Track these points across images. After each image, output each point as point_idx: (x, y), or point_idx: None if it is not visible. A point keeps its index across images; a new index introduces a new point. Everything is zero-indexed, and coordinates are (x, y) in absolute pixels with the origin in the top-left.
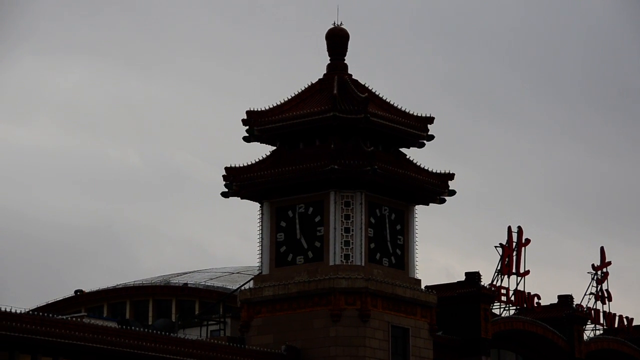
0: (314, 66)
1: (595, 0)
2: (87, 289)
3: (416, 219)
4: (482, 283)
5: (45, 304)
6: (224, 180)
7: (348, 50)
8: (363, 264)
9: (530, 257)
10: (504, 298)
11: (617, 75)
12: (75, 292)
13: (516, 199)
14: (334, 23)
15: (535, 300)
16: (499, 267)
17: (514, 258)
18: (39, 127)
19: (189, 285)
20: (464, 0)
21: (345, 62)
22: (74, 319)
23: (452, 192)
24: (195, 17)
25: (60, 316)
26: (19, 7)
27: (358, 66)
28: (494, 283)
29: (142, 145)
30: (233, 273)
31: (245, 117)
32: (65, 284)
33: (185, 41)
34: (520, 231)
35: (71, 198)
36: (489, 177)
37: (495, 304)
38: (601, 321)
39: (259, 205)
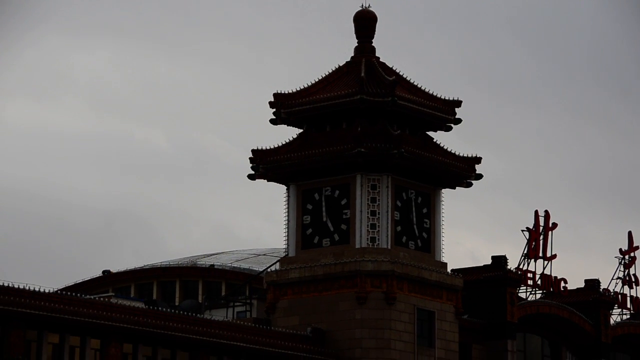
0: (341, 49)
1: None
2: (114, 269)
3: (442, 203)
4: (508, 267)
5: (73, 283)
6: (251, 162)
7: (376, 32)
8: (389, 247)
9: (556, 242)
10: (530, 282)
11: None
12: (103, 272)
13: (543, 184)
14: (362, 5)
15: (562, 284)
16: (525, 251)
17: (541, 242)
18: (66, 109)
19: (215, 267)
20: None
21: (372, 44)
22: (101, 299)
23: (479, 176)
24: (222, 1)
25: (88, 296)
26: None
27: (386, 49)
28: (521, 267)
29: (169, 127)
30: (259, 255)
31: (272, 100)
32: (93, 264)
33: (212, 24)
34: (547, 215)
35: (98, 180)
36: (515, 161)
37: (521, 288)
38: (628, 306)
39: (286, 187)
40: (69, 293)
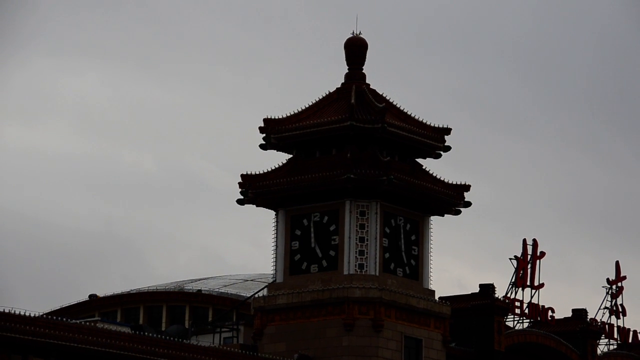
0: (332, 75)
1: (605, 11)
2: (101, 293)
3: (431, 230)
4: (496, 295)
5: (59, 307)
6: (240, 187)
7: (366, 59)
8: (377, 274)
9: (544, 271)
10: (517, 311)
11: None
12: (90, 296)
13: (531, 212)
14: (353, 32)
15: (549, 313)
16: (513, 280)
17: (529, 271)
18: (52, 130)
19: (202, 292)
20: (482, 14)
21: (363, 71)
22: (87, 323)
23: (468, 204)
24: (212, 24)
25: (74, 320)
26: (28, 7)
27: (376, 76)
28: (508, 295)
29: (158, 150)
30: (247, 280)
31: (262, 125)
32: (79, 288)
33: (202, 47)
34: (535, 244)
35: (85, 202)
36: (504, 189)
37: (509, 317)
38: (615, 336)
39: (274, 213)
40: (54, 317)
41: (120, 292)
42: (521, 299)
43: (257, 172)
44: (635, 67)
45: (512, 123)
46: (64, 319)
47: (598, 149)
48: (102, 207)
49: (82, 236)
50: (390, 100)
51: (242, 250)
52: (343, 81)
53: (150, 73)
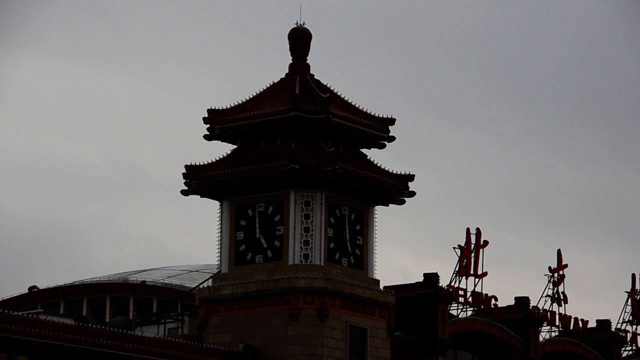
0: (276, 66)
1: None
2: (42, 285)
3: (376, 220)
4: (440, 284)
5: (0, 299)
6: (184, 178)
7: (310, 50)
8: (322, 264)
9: (488, 259)
10: (461, 299)
11: (577, 75)
12: (30, 288)
13: (475, 201)
14: (297, 23)
15: (493, 301)
16: (457, 269)
17: (472, 260)
18: None
19: (147, 283)
20: (427, 4)
21: (307, 62)
22: (30, 315)
23: (412, 193)
24: (156, 15)
25: (15, 312)
26: None
27: (320, 66)
28: (452, 284)
29: (101, 142)
30: (191, 271)
31: (206, 116)
32: (20, 280)
33: (144, 39)
34: (478, 233)
35: (26, 194)
36: (447, 179)
37: (453, 305)
38: (557, 323)
39: (219, 203)
40: None
41: (63, 283)
42: (465, 287)
43: (202, 163)
44: (576, 49)
45: (456, 112)
46: (5, 311)
47: (541, 137)
48: (45, 199)
49: (24, 227)
50: (335, 91)
51: (186, 240)
52: (287, 72)
53: (93, 64)
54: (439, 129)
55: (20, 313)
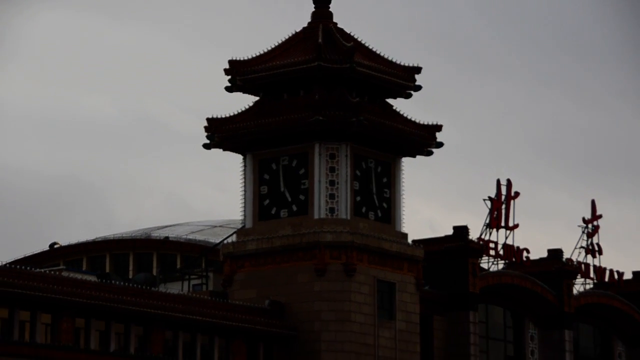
0: (298, 14)
1: None
2: (64, 242)
3: (403, 172)
4: (470, 237)
5: (22, 256)
6: (206, 131)
7: None
8: (348, 218)
9: (519, 211)
10: (492, 252)
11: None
12: (51, 245)
13: (504, 152)
14: None
15: (524, 254)
16: (487, 221)
17: (503, 211)
18: (8, 76)
19: (170, 239)
20: None
21: (330, 10)
22: (52, 272)
23: (440, 144)
24: None
25: (37, 269)
26: None
27: (343, 14)
28: (482, 237)
29: (118, 94)
30: (215, 226)
31: (227, 67)
32: (40, 238)
33: None
34: (509, 184)
35: (45, 149)
36: (476, 129)
37: (483, 258)
38: (591, 275)
39: (242, 157)
40: (17, 266)
41: (84, 240)
42: (495, 240)
43: (223, 116)
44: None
45: (483, 61)
46: (28, 268)
47: (571, 84)
48: (63, 154)
49: (42, 185)
50: (359, 39)
51: (208, 196)
52: (310, 20)
53: (109, 15)
54: (466, 77)
55: (42, 270)
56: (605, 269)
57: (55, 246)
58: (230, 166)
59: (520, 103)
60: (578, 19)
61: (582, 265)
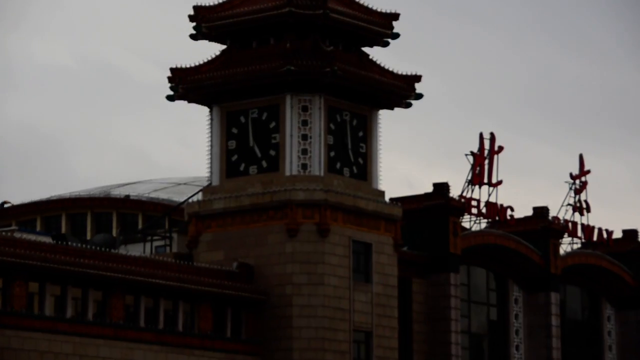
0: None
1: None
2: (16, 201)
3: (380, 126)
4: (450, 194)
5: None
6: (169, 82)
7: None
8: (322, 174)
9: (503, 166)
10: (474, 210)
11: None
12: (1, 204)
13: (487, 104)
14: None
15: (509, 212)
16: (469, 177)
17: (486, 167)
18: None
19: (131, 197)
20: None
21: None
22: (3, 233)
23: (419, 96)
24: None
25: None
26: None
27: None
28: (464, 194)
29: (74, 43)
30: (179, 184)
31: (192, 13)
32: None
33: None
34: (492, 138)
35: None
36: (457, 79)
37: (465, 217)
38: (579, 234)
39: (208, 109)
40: None
41: (38, 199)
42: (478, 198)
43: (188, 65)
44: None
45: (466, 7)
46: None
47: (555, 31)
48: (15, 105)
49: None
50: None
51: (173, 151)
52: None
53: None
54: (446, 24)
55: None
56: (593, 227)
57: (6, 205)
58: (195, 119)
59: (505, 51)
60: None
61: (569, 224)
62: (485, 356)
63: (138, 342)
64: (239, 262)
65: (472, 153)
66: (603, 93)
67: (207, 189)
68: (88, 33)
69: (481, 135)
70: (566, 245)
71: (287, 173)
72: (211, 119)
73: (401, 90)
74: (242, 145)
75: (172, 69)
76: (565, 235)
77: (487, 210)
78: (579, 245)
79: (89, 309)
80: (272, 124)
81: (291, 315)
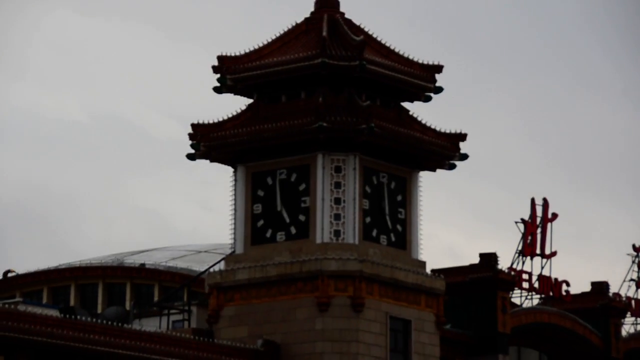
0: (299, 3)
1: None
2: (21, 269)
3: (420, 189)
4: (499, 266)
5: None
6: (190, 139)
7: None
8: (356, 242)
9: (557, 236)
10: (525, 285)
11: None
12: (5, 273)
13: (538, 166)
14: None
15: (564, 287)
16: (519, 247)
17: (538, 236)
18: None
19: (146, 266)
20: None
21: None
22: (6, 305)
23: (464, 156)
24: None
25: None
26: None
27: (352, 3)
28: (514, 266)
29: (87, 96)
30: (200, 252)
31: (216, 64)
32: None
33: None
34: (545, 204)
35: (1, 157)
36: (504, 139)
37: (515, 292)
38: None
39: (232, 169)
40: None
41: (45, 267)
42: (530, 270)
43: (211, 121)
44: None
45: (510, 60)
46: None
47: (613, 87)
48: (21, 163)
49: None
50: (370, 33)
51: (193, 215)
52: (313, 10)
53: (79, 4)
54: (490, 77)
55: None
56: None
57: (10, 274)
58: (218, 180)
59: (556, 108)
60: (621, 19)
61: (632, 302)
62: None
63: None
64: (264, 339)
65: (523, 220)
66: None
67: (230, 258)
68: (100, 85)
69: (533, 201)
70: (629, 325)
71: (318, 241)
72: (235, 180)
73: (444, 150)
74: (269, 210)
75: (193, 125)
76: (628, 314)
77: (539, 284)
78: None
79: None
80: (302, 186)
81: None
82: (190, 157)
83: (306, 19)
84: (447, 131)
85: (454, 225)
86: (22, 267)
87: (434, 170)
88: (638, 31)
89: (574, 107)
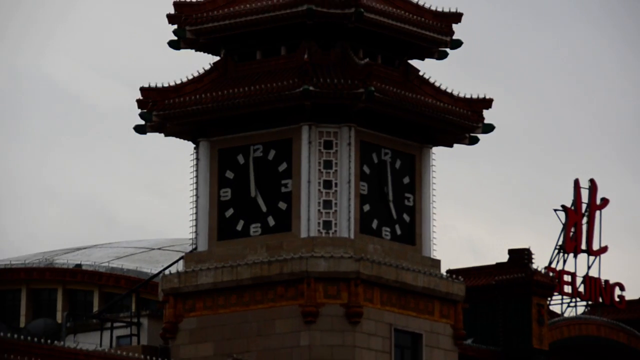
0: None
1: None
2: None
3: (433, 169)
4: (534, 266)
5: None
6: (139, 107)
7: None
8: (352, 237)
9: (608, 227)
10: (568, 289)
11: None
12: None
13: (582, 139)
14: None
15: (617, 292)
16: (560, 242)
17: (584, 228)
18: None
19: (83, 267)
20: None
21: None
22: None
23: (489, 127)
24: None
25: None
26: None
27: None
28: (553, 266)
29: (2, 49)
30: (152, 249)
31: (172, 12)
32: None
33: None
34: (593, 187)
35: None
36: (538, 104)
37: (554, 298)
38: None
39: (193, 145)
40: None
41: None
42: (573, 271)
43: (166, 85)
44: None
45: (552, 3)
46: None
47: None
48: None
49: None
50: None
51: (141, 203)
52: None
53: None
54: (522, 28)
55: None
56: None
57: None
58: (175, 159)
59: (606, 63)
60: None
61: None
62: None
63: None
64: (234, 358)
65: (564, 208)
66: None
67: (190, 257)
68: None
69: (577, 182)
70: None
71: (303, 234)
72: (197, 159)
73: (463, 120)
74: (241, 196)
75: (142, 89)
76: None
77: (585, 288)
78: None
79: None
80: (283, 166)
81: None
82: (139, 130)
83: None
84: (467, 96)
85: (475, 214)
86: None
87: (451, 146)
88: None
89: (632, 64)
